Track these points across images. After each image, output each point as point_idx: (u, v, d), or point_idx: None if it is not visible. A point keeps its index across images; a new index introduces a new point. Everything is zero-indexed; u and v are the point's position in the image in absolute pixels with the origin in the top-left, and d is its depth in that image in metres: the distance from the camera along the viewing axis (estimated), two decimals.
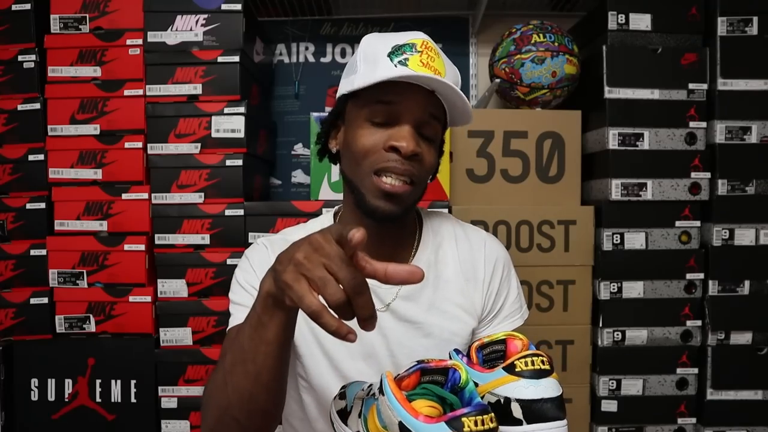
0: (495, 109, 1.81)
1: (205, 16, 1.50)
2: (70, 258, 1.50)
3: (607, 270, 1.52)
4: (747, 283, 1.51)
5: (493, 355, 0.67)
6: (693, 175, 1.51)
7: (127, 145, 1.50)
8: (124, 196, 1.50)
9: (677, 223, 1.52)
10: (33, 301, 1.51)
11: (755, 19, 1.47)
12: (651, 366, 1.52)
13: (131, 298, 1.49)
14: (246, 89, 1.54)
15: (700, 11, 1.52)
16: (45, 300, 1.50)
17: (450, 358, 0.67)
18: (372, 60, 0.81)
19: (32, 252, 1.51)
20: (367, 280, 0.54)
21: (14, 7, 1.50)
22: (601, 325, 1.52)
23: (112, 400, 1.50)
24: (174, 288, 1.50)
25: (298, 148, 1.93)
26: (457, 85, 0.83)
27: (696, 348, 1.53)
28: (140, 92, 1.50)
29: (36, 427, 1.50)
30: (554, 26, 1.60)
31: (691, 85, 1.50)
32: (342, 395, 0.74)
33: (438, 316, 0.90)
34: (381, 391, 0.55)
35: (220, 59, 1.49)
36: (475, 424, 0.49)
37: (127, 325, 1.50)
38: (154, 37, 1.50)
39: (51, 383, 1.50)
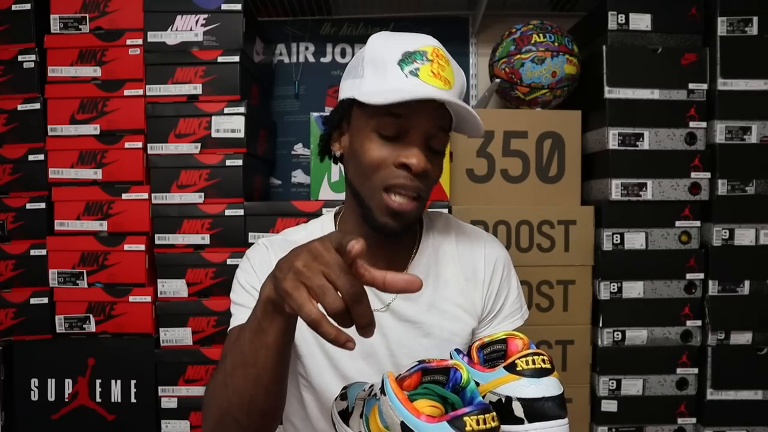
0: (495, 109, 1.81)
1: (205, 16, 1.50)
2: (70, 258, 1.50)
3: (607, 270, 1.52)
4: (747, 283, 1.51)
5: (493, 354, 0.67)
6: (693, 175, 1.51)
7: (127, 145, 1.50)
8: (124, 196, 1.50)
9: (677, 223, 1.52)
10: (33, 301, 1.51)
11: (755, 19, 1.48)
12: (651, 366, 1.52)
13: (131, 298, 1.49)
14: (246, 89, 1.54)
15: (700, 11, 1.52)
16: (45, 300, 1.50)
17: (451, 357, 0.67)
18: (380, 66, 0.79)
19: (32, 252, 1.51)
20: None
21: (14, 7, 1.50)
22: (601, 325, 1.52)
23: (112, 400, 1.50)
24: (174, 288, 1.50)
25: (298, 148, 1.93)
26: (462, 90, 0.83)
27: (696, 348, 1.53)
28: (140, 92, 1.50)
29: (36, 427, 1.50)
30: (554, 26, 1.60)
31: (691, 85, 1.50)
32: (343, 396, 0.74)
33: (438, 316, 0.90)
34: (383, 391, 0.55)
35: (220, 59, 1.49)
36: (477, 423, 0.49)
37: (127, 325, 1.50)
38: (154, 37, 1.50)
39: (51, 383, 1.50)
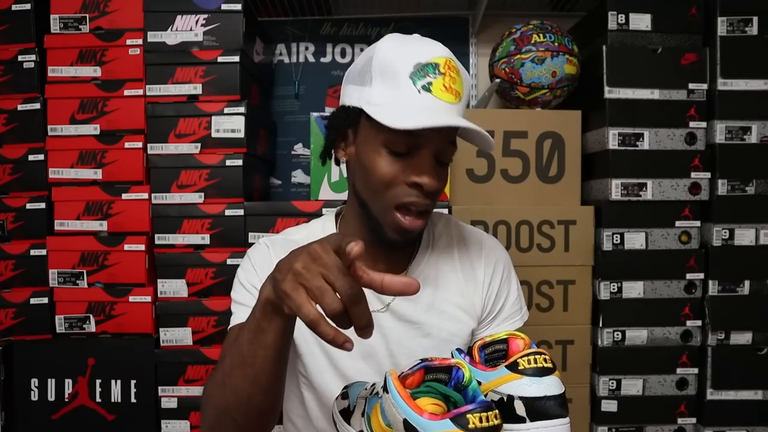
0: (495, 109, 1.81)
1: (205, 16, 1.50)
2: (70, 258, 1.50)
3: (607, 270, 1.52)
4: (747, 283, 1.51)
5: (495, 354, 0.67)
6: (693, 175, 1.51)
7: (127, 145, 1.50)
8: (124, 196, 1.50)
9: (677, 223, 1.52)
10: (33, 301, 1.50)
11: (755, 19, 1.48)
12: (651, 366, 1.52)
13: (131, 298, 1.49)
14: (246, 89, 1.54)
15: (700, 11, 1.52)
16: (45, 300, 1.50)
17: (452, 357, 0.67)
18: (390, 77, 0.77)
19: (32, 252, 1.51)
20: None
21: (14, 7, 1.50)
22: (601, 325, 1.52)
23: (112, 400, 1.50)
24: (174, 288, 1.49)
25: (298, 148, 1.93)
26: (468, 95, 0.83)
27: (696, 348, 1.53)
28: (140, 92, 1.50)
29: (36, 427, 1.50)
30: (554, 26, 1.60)
31: (691, 85, 1.50)
32: (344, 395, 0.74)
33: (437, 317, 0.90)
34: (385, 389, 0.55)
35: (220, 59, 1.49)
36: (480, 420, 0.49)
37: (127, 325, 1.50)
38: (154, 37, 1.50)
39: (51, 383, 1.50)
